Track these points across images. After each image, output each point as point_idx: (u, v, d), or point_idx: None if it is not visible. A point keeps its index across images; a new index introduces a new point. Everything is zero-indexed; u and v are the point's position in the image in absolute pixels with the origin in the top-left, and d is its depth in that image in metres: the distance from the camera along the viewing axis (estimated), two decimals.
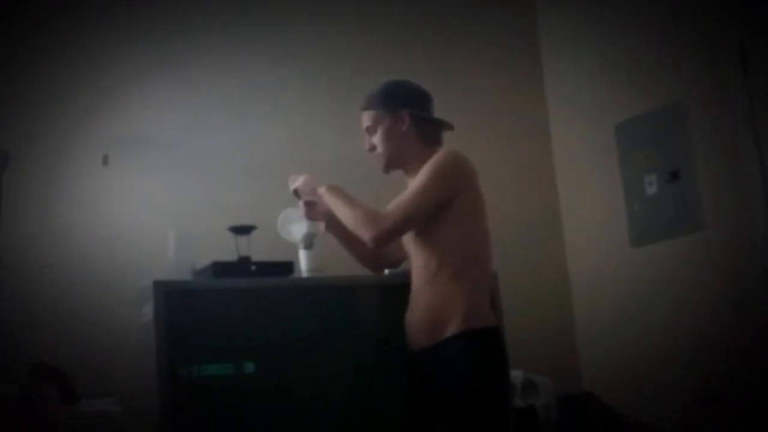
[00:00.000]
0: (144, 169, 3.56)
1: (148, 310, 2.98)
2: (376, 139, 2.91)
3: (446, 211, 2.70)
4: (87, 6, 3.63)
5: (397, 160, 2.91)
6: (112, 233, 3.44)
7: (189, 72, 3.75)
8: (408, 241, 2.85)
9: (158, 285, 2.90)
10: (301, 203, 3.07)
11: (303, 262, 3.35)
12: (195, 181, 3.64)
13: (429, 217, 2.72)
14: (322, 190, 2.90)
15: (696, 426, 3.68)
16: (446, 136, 2.98)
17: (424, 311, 2.76)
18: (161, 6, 3.77)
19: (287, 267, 3.25)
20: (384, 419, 3.08)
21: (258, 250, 3.26)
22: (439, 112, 2.99)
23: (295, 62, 4.01)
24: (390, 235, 2.70)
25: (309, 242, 3.35)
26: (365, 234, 2.71)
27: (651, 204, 3.95)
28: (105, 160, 3.48)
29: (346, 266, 3.32)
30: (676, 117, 3.83)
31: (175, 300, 2.91)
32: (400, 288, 3.27)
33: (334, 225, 3.08)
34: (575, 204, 4.43)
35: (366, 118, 2.94)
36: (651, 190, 3.95)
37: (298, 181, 3.02)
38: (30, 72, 3.51)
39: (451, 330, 2.64)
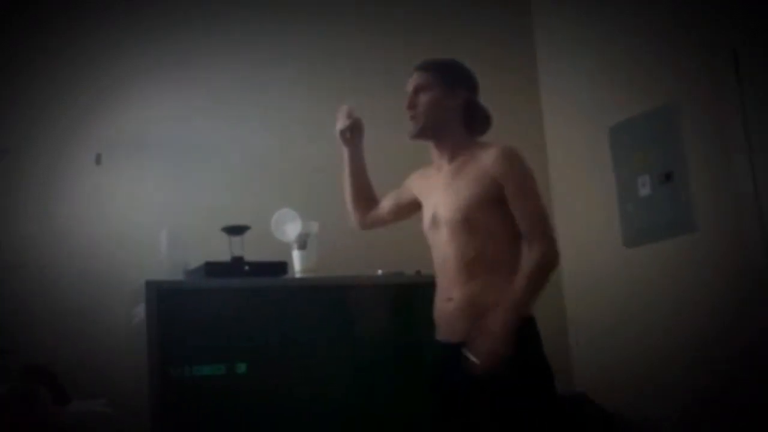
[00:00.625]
0: (137, 168, 3.56)
1: (140, 310, 2.99)
2: (422, 100, 2.77)
3: (498, 203, 2.62)
4: (86, 6, 3.63)
5: (432, 131, 2.77)
6: (104, 233, 3.44)
7: (182, 73, 3.74)
8: (440, 231, 2.70)
9: (150, 285, 2.92)
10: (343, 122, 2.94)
11: (296, 262, 3.37)
12: (188, 181, 3.64)
13: (480, 207, 2.64)
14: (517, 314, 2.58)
15: (689, 426, 3.69)
16: None
17: (464, 300, 2.63)
18: (158, 7, 3.77)
19: (281, 267, 3.26)
20: (379, 419, 3.10)
21: (251, 250, 3.27)
22: None
23: (287, 62, 4.00)
24: (557, 248, 2.61)
25: (302, 242, 3.37)
26: (557, 266, 2.63)
27: (644, 205, 3.96)
28: (98, 160, 3.48)
29: (340, 266, 3.34)
30: (669, 119, 3.84)
31: (168, 300, 2.93)
32: (394, 288, 3.30)
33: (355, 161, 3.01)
34: (569, 204, 4.43)
35: (420, 77, 2.80)
36: (644, 191, 3.96)
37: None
38: (29, 72, 3.51)
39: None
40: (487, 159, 2.65)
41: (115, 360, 3.20)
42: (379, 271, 3.44)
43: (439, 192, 2.74)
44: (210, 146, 3.72)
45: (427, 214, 2.76)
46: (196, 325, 2.96)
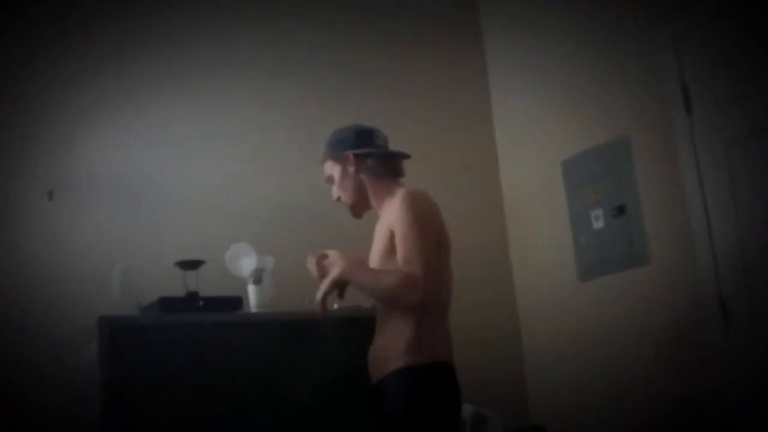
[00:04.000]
0: (89, 204, 3.50)
1: (92, 348, 2.92)
2: (336, 187, 2.92)
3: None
4: (36, 40, 3.58)
5: (361, 202, 2.90)
6: (56, 269, 3.36)
7: (134, 106, 3.71)
8: None
9: (103, 321, 2.85)
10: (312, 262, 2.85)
11: (252, 297, 3.34)
12: (141, 215, 3.58)
13: (384, 260, 2.71)
14: (336, 275, 2.69)
15: None
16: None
17: (376, 346, 2.77)
18: (108, 41, 3.73)
19: (236, 302, 3.23)
20: None
21: (206, 285, 3.23)
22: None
23: (240, 97, 3.99)
24: (422, 290, 2.56)
25: (258, 277, 3.33)
26: (404, 303, 2.62)
27: (597, 238, 4.00)
28: (50, 195, 3.42)
29: (296, 301, 3.30)
30: (621, 153, 3.90)
31: (121, 336, 2.86)
32: (351, 322, 3.27)
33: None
34: (523, 239, 4.47)
35: (325, 169, 2.96)
36: (597, 224, 4.00)
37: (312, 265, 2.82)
38: None
39: (393, 365, 2.63)
40: (389, 210, 2.75)
41: (66, 400, 3.11)
42: (335, 305, 3.41)
43: None
44: (164, 180, 3.68)
45: None
46: (151, 361, 2.89)
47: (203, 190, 3.77)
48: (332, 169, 2.92)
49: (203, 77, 3.92)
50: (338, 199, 2.94)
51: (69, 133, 3.54)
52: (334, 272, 2.69)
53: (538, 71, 4.44)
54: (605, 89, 4.02)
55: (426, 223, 2.67)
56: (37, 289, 3.31)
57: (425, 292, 2.57)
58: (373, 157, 2.88)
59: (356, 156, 2.86)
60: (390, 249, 2.68)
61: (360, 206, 2.92)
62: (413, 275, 2.55)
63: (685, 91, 3.63)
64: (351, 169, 2.87)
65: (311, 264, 2.80)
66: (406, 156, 2.97)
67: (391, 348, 2.66)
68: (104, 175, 3.55)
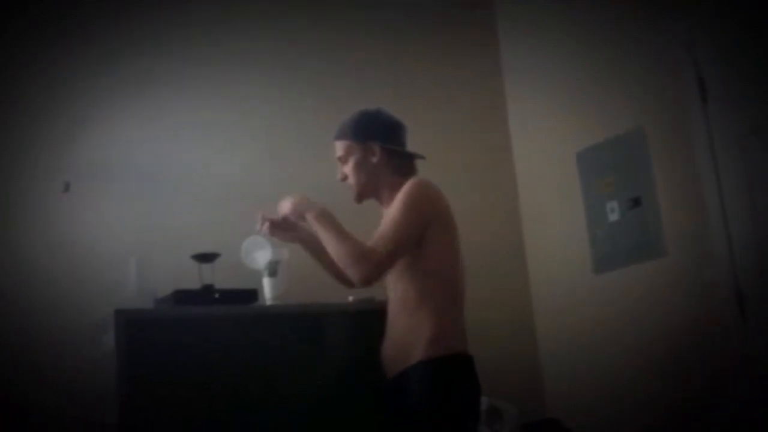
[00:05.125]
0: (105, 196, 3.50)
1: (108, 340, 2.93)
2: (348, 169, 2.91)
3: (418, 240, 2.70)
4: (48, 32, 3.59)
5: (369, 191, 2.91)
6: (72, 261, 3.37)
7: (149, 99, 3.71)
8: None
9: (120, 314, 2.86)
10: (260, 225, 3.04)
11: (267, 289, 3.34)
12: (157, 208, 3.58)
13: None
14: (310, 216, 2.79)
15: None
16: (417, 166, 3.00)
17: (393, 340, 2.78)
18: (122, 33, 3.73)
19: (251, 294, 3.23)
20: None
21: (222, 277, 3.23)
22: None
23: (255, 91, 3.99)
24: (377, 275, 2.65)
25: (273, 270, 3.34)
26: (353, 275, 2.65)
27: (613, 230, 3.98)
28: (66, 187, 3.42)
29: (311, 293, 3.31)
30: (636, 144, 3.88)
31: (137, 329, 2.87)
32: (365, 315, 3.27)
33: (310, 244, 3.09)
34: (538, 231, 4.46)
35: (338, 148, 2.94)
36: (613, 216, 3.99)
37: (286, 206, 2.93)
38: None
39: (414, 358, 2.64)
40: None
41: (84, 392, 3.12)
42: (350, 297, 3.42)
43: None
44: (179, 173, 3.68)
45: None
46: (167, 354, 2.90)
47: (219, 182, 3.77)
48: (349, 150, 2.90)
49: (216, 68, 3.92)
50: (344, 179, 2.94)
51: (84, 125, 3.54)
52: (310, 207, 2.78)
53: (552, 64, 4.42)
54: (619, 80, 4.00)
55: (417, 206, 2.69)
56: (40, 287, 3.30)
57: (378, 273, 2.63)
58: (399, 153, 2.88)
59: (382, 149, 2.86)
60: None
61: (366, 194, 2.93)
62: (375, 252, 2.60)
63: (701, 82, 3.61)
64: (374, 159, 2.87)
65: (263, 227, 2.98)
66: (423, 157, 2.98)
67: (411, 340, 2.66)
68: (120, 167, 3.55)
